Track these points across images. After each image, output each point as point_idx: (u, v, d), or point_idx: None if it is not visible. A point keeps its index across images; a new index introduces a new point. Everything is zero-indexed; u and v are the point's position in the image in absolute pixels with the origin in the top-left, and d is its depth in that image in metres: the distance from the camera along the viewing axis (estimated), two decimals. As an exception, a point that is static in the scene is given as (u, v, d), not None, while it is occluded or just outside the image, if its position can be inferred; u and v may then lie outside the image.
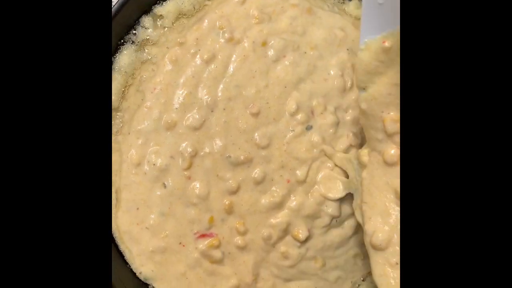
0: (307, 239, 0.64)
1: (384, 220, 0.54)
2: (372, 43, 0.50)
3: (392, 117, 0.52)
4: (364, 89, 0.53)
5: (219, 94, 0.63)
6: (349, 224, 0.66)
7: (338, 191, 0.63)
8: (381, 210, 0.54)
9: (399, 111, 0.51)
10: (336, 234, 0.66)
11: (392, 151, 0.53)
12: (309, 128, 0.64)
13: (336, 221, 0.65)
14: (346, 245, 0.66)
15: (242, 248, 0.64)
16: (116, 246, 0.64)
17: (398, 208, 0.53)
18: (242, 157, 0.62)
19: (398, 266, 0.52)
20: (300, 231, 0.63)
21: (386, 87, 0.52)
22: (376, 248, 0.53)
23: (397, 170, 0.53)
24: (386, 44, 0.49)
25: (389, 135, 0.53)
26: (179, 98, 0.62)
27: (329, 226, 0.65)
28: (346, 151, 0.65)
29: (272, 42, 0.64)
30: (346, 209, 0.65)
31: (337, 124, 0.64)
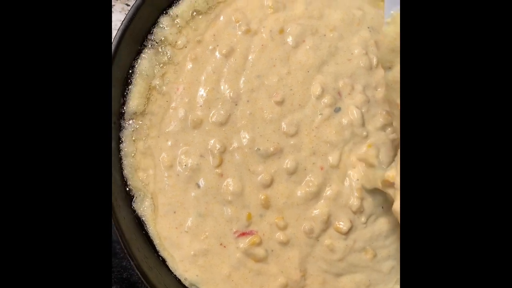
0: (351, 230, 0.61)
1: None
2: (398, 16, 0.45)
3: None
4: (390, 68, 0.49)
5: (241, 86, 0.63)
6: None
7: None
8: None
9: None
10: (384, 221, 0.62)
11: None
12: (337, 110, 0.62)
13: (382, 208, 0.62)
14: (397, 232, 0.63)
15: (285, 244, 0.62)
16: (158, 254, 0.63)
17: None
18: (271, 148, 0.61)
19: None
20: (341, 222, 0.61)
21: None
22: None
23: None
24: None
25: None
26: (202, 95, 0.63)
27: (375, 215, 0.62)
28: (383, 129, 0.62)
29: (289, 28, 0.63)
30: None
31: (367, 102, 0.62)
